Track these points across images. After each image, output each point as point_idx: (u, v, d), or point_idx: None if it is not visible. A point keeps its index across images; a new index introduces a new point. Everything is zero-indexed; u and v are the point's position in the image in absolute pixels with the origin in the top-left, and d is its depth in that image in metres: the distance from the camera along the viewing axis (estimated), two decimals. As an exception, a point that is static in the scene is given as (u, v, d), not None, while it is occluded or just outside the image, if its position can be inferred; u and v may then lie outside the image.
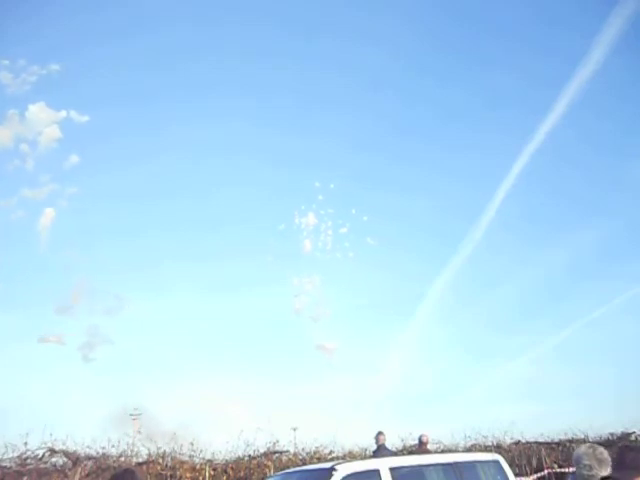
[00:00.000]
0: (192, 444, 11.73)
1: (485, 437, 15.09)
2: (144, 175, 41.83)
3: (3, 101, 30.81)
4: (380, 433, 9.67)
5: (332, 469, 5.17)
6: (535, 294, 38.26)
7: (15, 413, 15.67)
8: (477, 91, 42.08)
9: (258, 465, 12.11)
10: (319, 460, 12.16)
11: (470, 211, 44.93)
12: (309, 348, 36.06)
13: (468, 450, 13.91)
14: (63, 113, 28.34)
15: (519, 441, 15.44)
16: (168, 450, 11.48)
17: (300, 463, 12.13)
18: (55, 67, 28.46)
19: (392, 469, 5.43)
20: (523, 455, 14.82)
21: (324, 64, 41.78)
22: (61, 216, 28.75)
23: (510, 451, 14.78)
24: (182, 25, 41.03)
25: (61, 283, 37.17)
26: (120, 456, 10.86)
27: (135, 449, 11.26)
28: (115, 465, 10.36)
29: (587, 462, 2.96)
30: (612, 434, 15.61)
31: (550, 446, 15.30)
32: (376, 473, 5.33)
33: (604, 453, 2.89)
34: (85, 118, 28.80)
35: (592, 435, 15.45)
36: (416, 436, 11.54)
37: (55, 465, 10.11)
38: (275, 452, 12.45)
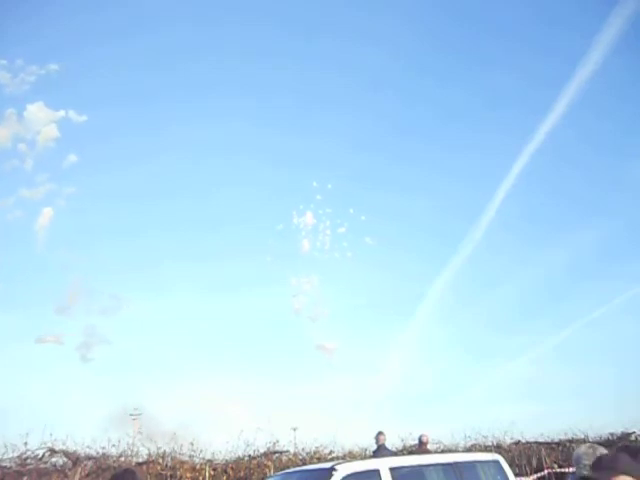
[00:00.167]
0: (192, 444, 11.74)
1: (485, 437, 15.11)
2: (144, 175, 41.94)
3: (1, 101, 30.90)
4: (380, 433, 9.67)
5: (332, 469, 5.17)
6: (535, 294, 38.32)
7: (15, 413, 15.69)
8: (477, 91, 42.17)
9: (258, 465, 12.11)
10: (319, 460, 12.16)
11: (470, 211, 45.04)
12: (309, 348, 36.11)
13: (468, 450, 13.90)
14: (61, 113, 28.38)
15: (519, 441, 15.44)
16: (168, 450, 11.48)
17: (300, 463, 12.13)
18: (54, 67, 28.50)
19: (392, 469, 5.43)
20: (523, 455, 14.81)
21: (324, 64, 41.88)
22: (59, 216, 28.82)
23: (510, 451, 14.77)
24: (182, 25, 41.10)
25: (59, 283, 37.24)
26: (120, 456, 10.86)
27: (135, 449, 11.27)
28: (115, 465, 10.35)
29: (587, 462, 2.96)
30: (612, 434, 15.62)
31: (550, 446, 15.30)
32: (376, 473, 5.33)
33: (604, 453, 2.89)
34: (83, 118, 28.85)
35: (592, 435, 15.47)
36: (416, 436, 11.56)
37: (55, 465, 10.10)
38: (275, 452, 12.45)
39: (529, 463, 14.47)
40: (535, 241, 40.83)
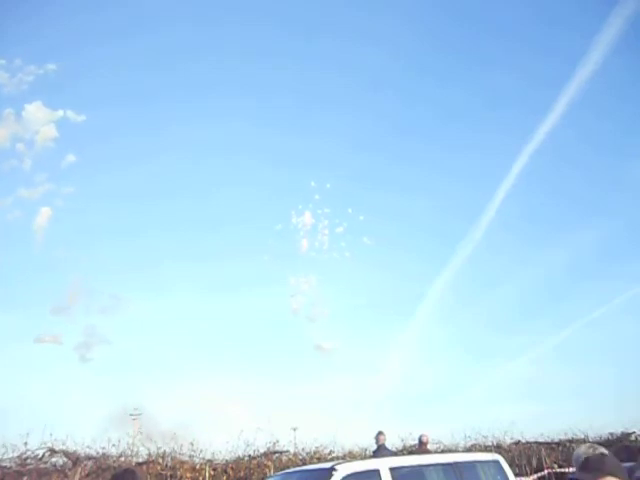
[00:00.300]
0: (192, 444, 11.73)
1: (485, 437, 15.10)
2: (144, 175, 42.00)
3: (0, 101, 30.82)
4: (380, 433, 9.67)
5: (332, 469, 5.17)
6: (535, 294, 38.37)
7: (15, 413, 15.68)
8: (477, 91, 42.24)
9: (258, 465, 12.11)
10: (319, 460, 12.16)
11: (470, 211, 45.13)
12: (309, 348, 36.09)
13: (468, 450, 13.90)
14: (60, 113, 28.38)
15: (519, 441, 15.43)
16: (168, 450, 11.48)
17: (300, 463, 12.12)
18: (52, 67, 28.53)
19: (392, 469, 5.43)
20: (523, 455, 14.81)
21: (324, 64, 41.95)
22: (57, 216, 28.87)
23: (510, 451, 14.77)
24: (182, 25, 41.15)
25: (58, 283, 37.37)
26: (120, 456, 10.86)
27: (135, 449, 11.27)
28: (115, 465, 10.35)
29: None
30: (612, 434, 15.64)
31: (550, 446, 15.30)
32: (376, 473, 5.33)
33: (598, 453, 2.88)
34: (82, 118, 28.87)
35: (592, 435, 15.48)
36: (416, 436, 11.55)
37: (55, 465, 10.10)
38: (275, 452, 12.44)
39: (529, 463, 14.46)
40: (535, 241, 40.95)
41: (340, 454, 13.22)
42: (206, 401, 26.11)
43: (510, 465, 7.10)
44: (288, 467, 11.11)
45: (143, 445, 11.37)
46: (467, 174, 42.99)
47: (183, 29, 42.22)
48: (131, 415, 20.86)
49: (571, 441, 15.12)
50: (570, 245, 38.48)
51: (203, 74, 41.27)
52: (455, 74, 41.94)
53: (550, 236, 40.23)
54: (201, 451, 11.79)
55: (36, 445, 9.91)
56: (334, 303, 39.12)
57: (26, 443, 9.81)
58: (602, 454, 2.54)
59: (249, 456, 12.18)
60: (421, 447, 10.19)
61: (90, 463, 10.40)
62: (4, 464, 9.50)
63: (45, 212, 28.26)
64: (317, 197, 29.60)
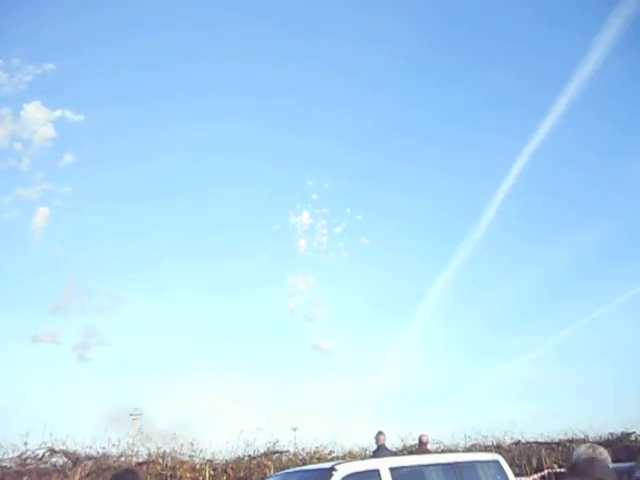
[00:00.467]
0: (192, 444, 11.72)
1: (485, 437, 15.09)
2: (144, 175, 41.92)
3: (-2, 100, 30.84)
4: (380, 433, 9.66)
5: (332, 469, 5.17)
6: (535, 294, 38.32)
7: (15, 413, 15.67)
8: (477, 91, 42.18)
9: (258, 465, 12.10)
10: (319, 460, 12.16)
11: (470, 211, 45.05)
12: (307, 348, 36.10)
13: (468, 450, 13.90)
14: (58, 112, 28.37)
15: (519, 441, 15.43)
16: (168, 450, 11.47)
17: (300, 463, 12.12)
18: (51, 67, 28.50)
19: (392, 469, 5.43)
20: (523, 455, 14.81)
21: (324, 64, 41.89)
22: (55, 215, 28.84)
23: (510, 451, 14.77)
24: (182, 25, 41.10)
25: (56, 282, 37.26)
26: (120, 456, 10.85)
27: (135, 449, 11.26)
28: (115, 465, 10.35)
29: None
30: (612, 434, 15.64)
31: (550, 446, 15.30)
32: (376, 473, 5.33)
33: (604, 453, 2.89)
34: (80, 117, 28.85)
35: (592, 435, 15.48)
36: (416, 436, 11.55)
37: (55, 465, 10.09)
38: (275, 452, 12.44)
39: (529, 463, 14.46)
40: (535, 241, 40.88)
41: (340, 454, 13.22)
42: (206, 401, 26.08)
43: (510, 465, 7.10)
44: (288, 467, 11.11)
45: (143, 445, 11.37)
46: (467, 174, 42.94)
47: (183, 29, 42.21)
48: (131, 415, 20.86)
49: (571, 441, 15.12)
50: (570, 245, 38.46)
51: (203, 74, 41.21)
52: (455, 74, 41.92)
53: (550, 236, 40.22)
54: (201, 451, 11.80)
55: (36, 445, 9.91)
56: (332, 303, 39.11)
57: (26, 443, 9.80)
58: (592, 458, 2.54)
59: (249, 456, 12.18)
60: (421, 447, 10.19)
61: (90, 463, 10.40)
62: (4, 464, 9.49)
63: (43, 212, 28.31)
64: (315, 197, 29.61)
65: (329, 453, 13.12)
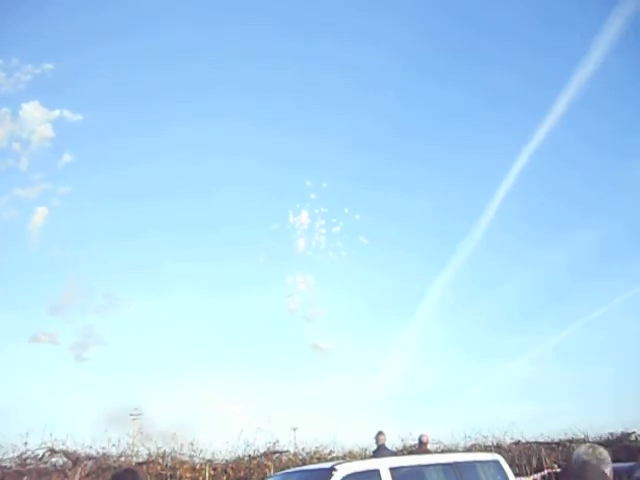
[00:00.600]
0: (192, 444, 11.72)
1: (485, 437, 15.09)
2: (144, 175, 41.85)
3: (-4, 100, 30.81)
4: (380, 433, 9.67)
5: (332, 469, 5.17)
6: (535, 294, 38.30)
7: (15, 413, 15.67)
8: (477, 91, 42.15)
9: (258, 465, 12.11)
10: (319, 460, 12.15)
11: (470, 211, 45.02)
12: (308, 348, 36.09)
13: (468, 450, 13.90)
14: (56, 112, 28.37)
15: (519, 441, 15.43)
16: (168, 450, 11.46)
17: (300, 463, 12.12)
18: (49, 66, 28.48)
19: (392, 469, 5.43)
20: (523, 455, 14.81)
21: (324, 64, 41.86)
22: (54, 215, 28.84)
23: (510, 451, 14.77)
24: (182, 25, 41.07)
25: (54, 282, 37.24)
26: (120, 456, 10.84)
27: (135, 449, 11.26)
28: (115, 465, 10.35)
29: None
30: (612, 434, 15.65)
31: (550, 446, 15.30)
32: (376, 473, 5.33)
33: (604, 453, 2.89)
34: (78, 117, 28.83)
35: (592, 435, 15.49)
36: (416, 436, 11.55)
37: (55, 465, 10.09)
38: (275, 452, 12.44)
39: (529, 463, 14.45)
40: (535, 241, 40.84)
41: (340, 454, 13.22)
42: (206, 401, 26.08)
43: (510, 465, 7.10)
44: (288, 467, 11.11)
45: (143, 445, 11.37)
46: (467, 174, 42.89)
47: (183, 29, 42.18)
48: (131, 415, 20.84)
49: (571, 441, 15.12)
50: (570, 245, 38.44)
51: (203, 74, 41.16)
52: (455, 74, 41.87)
53: (550, 236, 40.19)
54: (201, 451, 11.79)
55: (36, 445, 9.89)
56: (331, 303, 39.03)
57: (26, 443, 9.78)
58: (585, 462, 2.54)
59: (249, 456, 12.18)
60: (421, 447, 10.20)
61: (90, 463, 10.39)
62: (4, 464, 9.49)
63: (41, 212, 28.30)
64: (314, 196, 29.59)
65: (329, 453, 13.12)
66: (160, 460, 11.28)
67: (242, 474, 11.85)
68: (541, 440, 15.58)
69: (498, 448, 14.09)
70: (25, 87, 28.81)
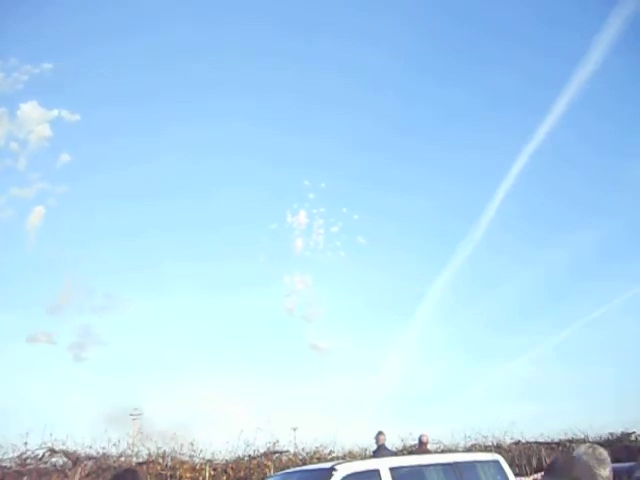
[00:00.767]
0: (192, 444, 11.73)
1: (485, 437, 15.12)
2: (144, 175, 41.84)
3: (-6, 100, 30.82)
4: (380, 433, 9.66)
5: (332, 469, 5.17)
6: (535, 294, 38.30)
7: (15, 413, 15.67)
8: (477, 91, 42.15)
9: (258, 465, 12.11)
10: (319, 460, 12.16)
11: (470, 211, 45.05)
12: (305, 348, 36.13)
13: (468, 450, 13.91)
14: (55, 112, 28.37)
15: (519, 441, 15.45)
16: (168, 450, 11.47)
17: (300, 463, 12.13)
18: (48, 66, 28.46)
19: (392, 469, 5.43)
20: (523, 455, 14.83)
21: (324, 64, 41.82)
22: (51, 215, 28.83)
23: (510, 451, 14.79)
24: (182, 25, 41.06)
25: (52, 282, 37.21)
26: (120, 456, 10.85)
27: (135, 449, 11.26)
28: (115, 465, 10.35)
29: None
30: (612, 434, 15.68)
31: (550, 446, 15.32)
32: (376, 473, 5.33)
33: (604, 453, 2.88)
34: (76, 117, 28.81)
35: (592, 435, 15.51)
36: (416, 436, 11.55)
37: (55, 465, 10.09)
38: (275, 452, 12.45)
39: (529, 463, 14.48)
40: (535, 241, 40.83)
41: (340, 454, 13.22)
42: (206, 401, 26.07)
43: (510, 465, 7.10)
44: (288, 467, 11.12)
45: (143, 445, 11.38)
46: (467, 174, 42.87)
47: (183, 29, 42.16)
48: (131, 415, 20.87)
49: (571, 441, 15.14)
50: (570, 245, 38.43)
51: (203, 74, 41.13)
52: (455, 74, 41.84)
53: (550, 236, 40.19)
54: (201, 451, 11.80)
55: (36, 445, 9.89)
56: (330, 303, 39.02)
57: (26, 443, 9.79)
58: (571, 458, 2.52)
59: (249, 456, 12.18)
60: (421, 447, 10.19)
61: (90, 463, 10.40)
62: (4, 464, 9.49)
63: (39, 211, 28.30)
64: (312, 196, 29.59)
65: (329, 453, 13.13)
66: (160, 460, 11.28)
67: (242, 474, 11.86)
68: (541, 440, 15.61)
69: (498, 448, 14.10)
70: (23, 87, 28.81)
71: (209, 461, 11.73)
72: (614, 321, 32.70)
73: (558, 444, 15.33)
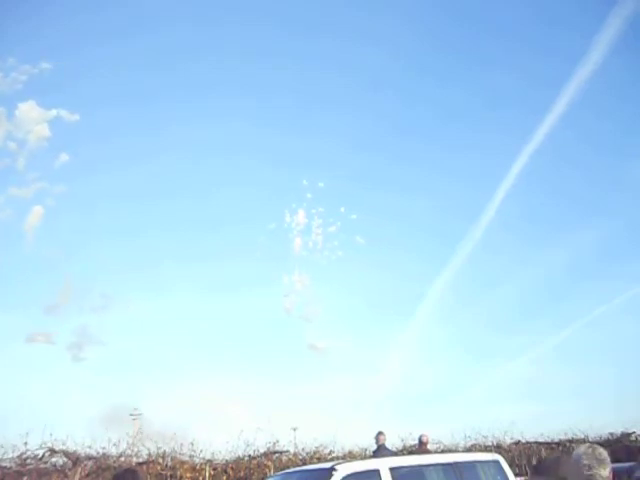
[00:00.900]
0: (192, 444, 11.74)
1: (485, 437, 15.12)
2: (144, 175, 41.75)
3: (-7, 99, 30.78)
4: (380, 433, 9.67)
5: (332, 469, 5.17)
6: (535, 294, 38.26)
7: (15, 413, 15.67)
8: (477, 91, 42.09)
9: (258, 465, 12.12)
10: (319, 460, 12.16)
11: (470, 211, 44.97)
12: (303, 348, 36.11)
13: (468, 450, 13.91)
14: (53, 112, 28.35)
15: (519, 441, 15.45)
16: (168, 450, 11.48)
17: (300, 463, 12.13)
18: (47, 66, 28.41)
19: (392, 469, 5.43)
20: (523, 455, 14.83)
21: (324, 64, 41.75)
22: (50, 215, 28.78)
23: (510, 451, 14.79)
24: (182, 25, 40.99)
25: (51, 282, 37.05)
26: (120, 456, 10.85)
27: (135, 449, 11.26)
28: (115, 465, 10.35)
29: (587, 462, 2.96)
30: (612, 434, 15.68)
31: (550, 446, 15.32)
32: (376, 473, 5.33)
33: (603, 453, 2.89)
34: (75, 117, 28.77)
35: (592, 435, 15.51)
36: (416, 436, 11.55)
37: (55, 465, 10.10)
38: (275, 452, 12.45)
39: (529, 463, 14.47)
40: (535, 241, 40.77)
41: (340, 454, 13.23)
42: (206, 401, 26.08)
43: (510, 465, 7.10)
44: (288, 467, 11.12)
45: (143, 445, 11.38)
46: (467, 174, 42.78)
47: (183, 29, 42.10)
48: (131, 415, 20.85)
49: (571, 441, 15.13)
50: (570, 245, 38.41)
51: (203, 74, 41.04)
52: (455, 74, 41.77)
53: (550, 236, 40.16)
54: (201, 451, 11.82)
55: (36, 445, 9.90)
56: (329, 302, 38.98)
57: (26, 443, 9.79)
58: (558, 457, 2.53)
59: (249, 456, 12.19)
60: (421, 447, 10.19)
61: (90, 463, 10.40)
62: (4, 464, 9.50)
63: (37, 211, 28.29)
64: (310, 196, 29.54)
65: (329, 453, 13.13)
66: (160, 460, 11.29)
67: (242, 474, 11.87)
68: (541, 440, 15.61)
69: (498, 448, 14.11)
70: (22, 87, 28.78)
71: (209, 461, 11.74)
72: (614, 321, 32.73)
73: (558, 444, 15.33)
